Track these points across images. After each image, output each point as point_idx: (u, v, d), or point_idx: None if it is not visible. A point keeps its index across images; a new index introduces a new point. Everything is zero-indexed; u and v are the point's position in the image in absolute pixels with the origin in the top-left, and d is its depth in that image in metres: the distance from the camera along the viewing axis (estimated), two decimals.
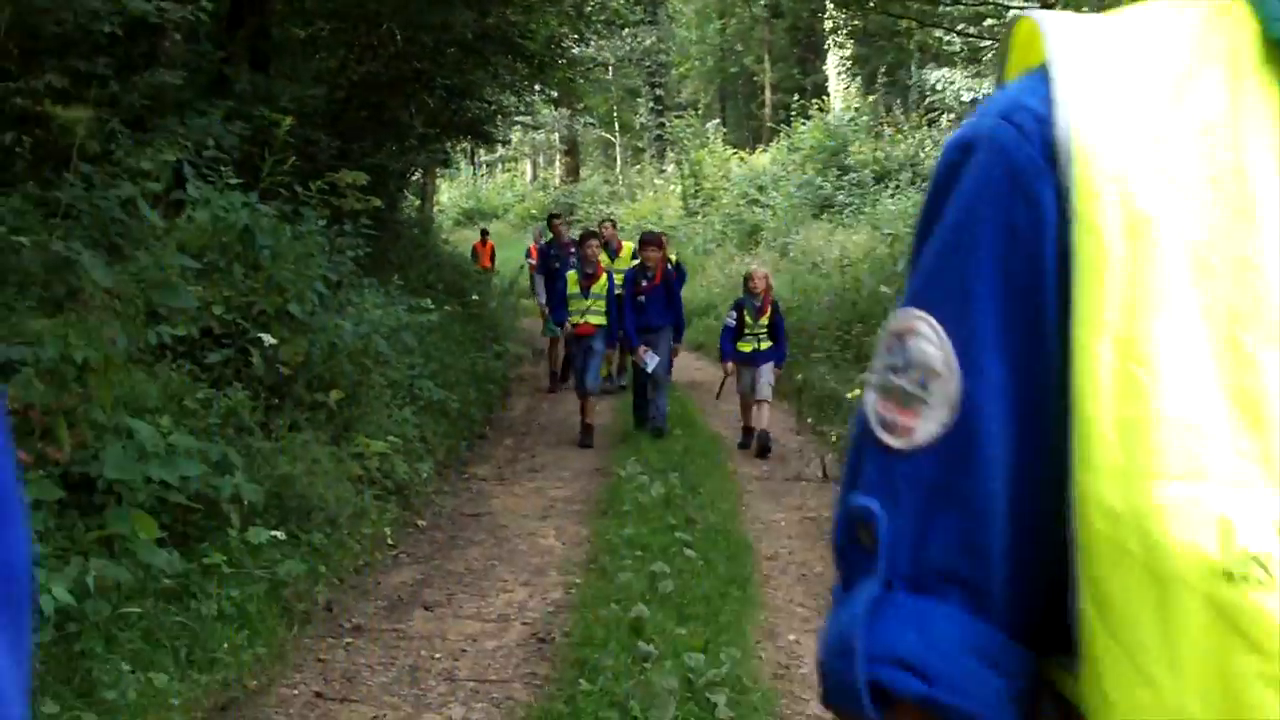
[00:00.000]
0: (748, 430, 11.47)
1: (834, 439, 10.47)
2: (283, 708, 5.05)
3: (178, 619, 4.90)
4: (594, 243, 12.00)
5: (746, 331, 11.22)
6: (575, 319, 11.65)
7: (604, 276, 11.70)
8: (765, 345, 11.24)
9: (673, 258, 13.92)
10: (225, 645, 5.05)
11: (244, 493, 5.63)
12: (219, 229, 7.48)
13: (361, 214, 8.61)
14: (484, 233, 24.35)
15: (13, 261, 5.80)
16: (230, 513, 5.64)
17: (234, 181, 7.65)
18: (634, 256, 12.64)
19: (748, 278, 11.50)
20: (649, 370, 11.38)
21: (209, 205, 7.43)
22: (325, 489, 6.82)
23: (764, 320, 11.21)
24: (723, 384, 11.79)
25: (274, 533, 5.66)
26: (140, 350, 5.97)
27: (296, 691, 5.23)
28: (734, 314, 11.34)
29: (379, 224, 14.32)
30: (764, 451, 10.96)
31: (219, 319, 7.06)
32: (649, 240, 11.90)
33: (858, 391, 10.45)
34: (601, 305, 11.62)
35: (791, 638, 6.27)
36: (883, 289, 8.98)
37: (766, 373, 11.19)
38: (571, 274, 11.88)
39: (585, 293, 11.67)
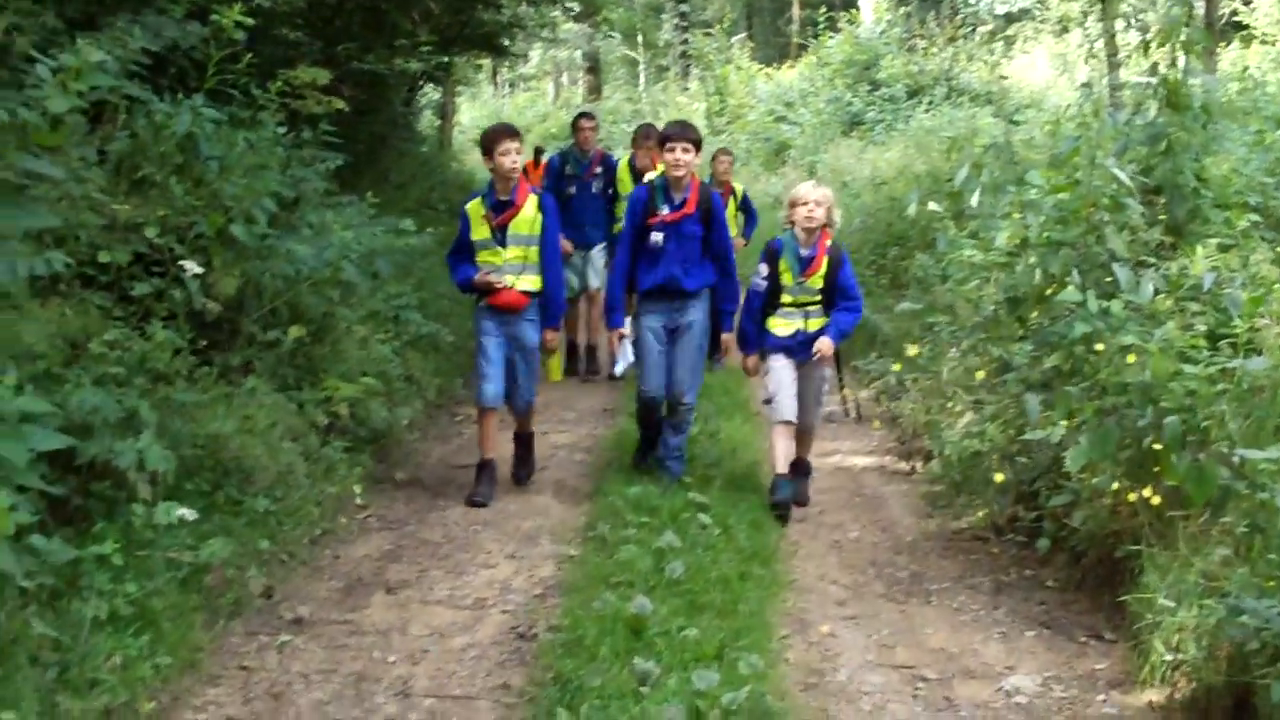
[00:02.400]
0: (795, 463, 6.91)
1: (867, 378, 9.33)
2: None
3: (42, 631, 3.81)
4: (510, 144, 6.70)
5: (784, 301, 6.69)
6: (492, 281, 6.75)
7: (530, 203, 6.78)
8: (815, 324, 6.65)
9: (738, 188, 10.77)
10: (115, 659, 3.98)
11: (150, 460, 4.53)
12: (160, 138, 6.37)
13: (322, 119, 7.42)
14: (538, 152, 17.99)
15: None
16: (137, 483, 4.57)
17: (164, 82, 6.53)
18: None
19: (792, 203, 6.66)
20: (617, 373, 7.57)
21: (146, 109, 6.32)
22: (272, 445, 5.75)
23: (815, 280, 6.61)
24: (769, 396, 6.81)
25: (182, 511, 4.51)
26: (35, 281, 4.88)
27: (204, 715, 4.17)
28: (764, 269, 6.65)
29: (372, 138, 13.24)
30: (799, 501, 6.90)
31: (151, 243, 5.95)
32: (675, 135, 6.75)
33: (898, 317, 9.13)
34: (533, 258, 6.81)
35: (825, 629, 5.21)
36: (931, 205, 7.72)
37: (819, 380, 6.83)
38: (473, 204, 6.85)
39: (499, 237, 6.76)
